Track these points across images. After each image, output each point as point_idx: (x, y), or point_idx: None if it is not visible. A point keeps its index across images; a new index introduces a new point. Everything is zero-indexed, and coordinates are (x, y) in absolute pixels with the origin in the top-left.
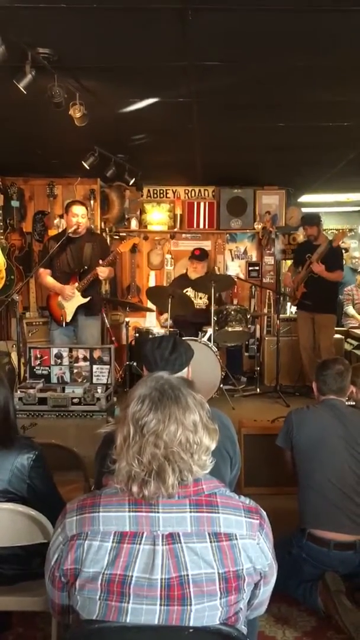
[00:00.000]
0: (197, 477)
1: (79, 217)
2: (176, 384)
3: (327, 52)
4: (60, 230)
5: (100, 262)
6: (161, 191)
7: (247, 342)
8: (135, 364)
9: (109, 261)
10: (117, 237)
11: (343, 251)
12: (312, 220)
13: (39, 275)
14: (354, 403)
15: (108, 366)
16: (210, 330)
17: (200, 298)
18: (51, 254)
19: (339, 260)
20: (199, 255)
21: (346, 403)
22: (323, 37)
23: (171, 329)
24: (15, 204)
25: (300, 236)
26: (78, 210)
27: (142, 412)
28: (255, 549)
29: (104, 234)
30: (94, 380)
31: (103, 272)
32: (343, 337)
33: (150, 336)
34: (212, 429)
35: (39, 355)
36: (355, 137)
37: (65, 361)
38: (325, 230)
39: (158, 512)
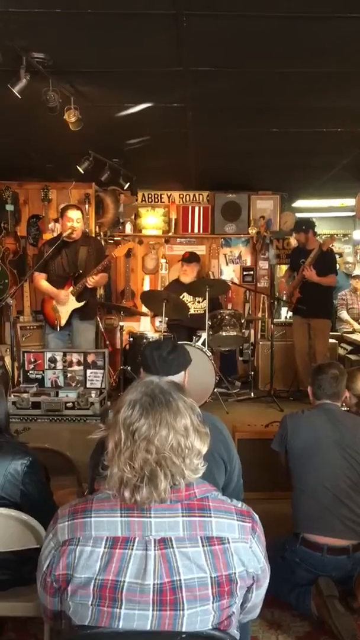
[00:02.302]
0: (189, 482)
1: (74, 221)
2: (167, 388)
3: (321, 58)
4: (55, 234)
5: (94, 271)
6: (156, 195)
7: (241, 347)
8: (129, 368)
9: (104, 266)
10: (111, 241)
11: (337, 256)
12: (300, 227)
13: (34, 279)
14: (347, 408)
15: (102, 370)
16: (204, 335)
17: (199, 302)
18: (46, 257)
19: (331, 265)
20: (188, 258)
21: (341, 408)
22: (318, 43)
23: (165, 333)
24: (9, 207)
25: (293, 241)
26: (73, 214)
27: (133, 417)
28: (248, 553)
29: (98, 238)
30: (88, 385)
31: (91, 282)
32: (337, 341)
33: (145, 340)
34: (203, 432)
35: (32, 359)
36: (349, 142)
37: (59, 365)
38: (320, 235)
39: (150, 517)
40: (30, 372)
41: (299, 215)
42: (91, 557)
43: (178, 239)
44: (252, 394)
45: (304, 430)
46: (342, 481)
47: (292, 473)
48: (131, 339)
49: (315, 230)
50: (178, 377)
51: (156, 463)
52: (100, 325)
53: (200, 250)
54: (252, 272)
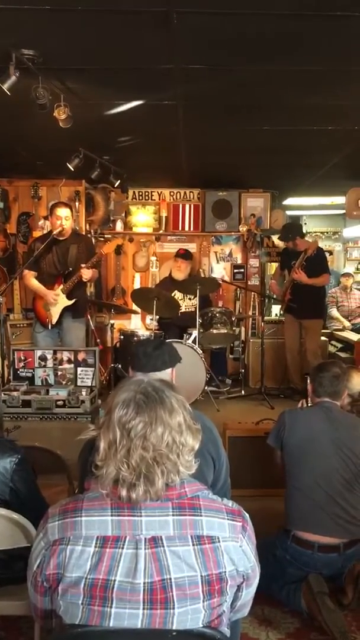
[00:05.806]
0: (182, 479)
1: (63, 219)
2: (159, 386)
3: (312, 56)
4: (45, 231)
5: (83, 265)
6: (146, 193)
7: (232, 344)
8: (120, 366)
9: (93, 262)
10: (102, 239)
11: (327, 254)
12: (287, 236)
13: (23, 276)
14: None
15: (92, 368)
16: (195, 333)
17: (190, 299)
18: (36, 255)
19: (322, 265)
20: (184, 254)
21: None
22: (308, 41)
23: (156, 331)
24: None
25: (279, 242)
26: (61, 212)
27: (129, 416)
28: (238, 552)
29: (88, 236)
30: (79, 383)
31: (86, 274)
32: (327, 339)
33: (135, 338)
34: (195, 429)
35: (23, 358)
36: (340, 140)
37: (50, 363)
38: (309, 233)
39: (140, 516)
40: (20, 370)
41: (289, 213)
42: (82, 556)
43: (169, 237)
44: (243, 392)
45: (301, 426)
46: (336, 480)
47: (287, 469)
48: (122, 337)
49: (303, 232)
50: (165, 375)
51: (153, 460)
52: (91, 323)
53: (191, 247)
54: (242, 270)
